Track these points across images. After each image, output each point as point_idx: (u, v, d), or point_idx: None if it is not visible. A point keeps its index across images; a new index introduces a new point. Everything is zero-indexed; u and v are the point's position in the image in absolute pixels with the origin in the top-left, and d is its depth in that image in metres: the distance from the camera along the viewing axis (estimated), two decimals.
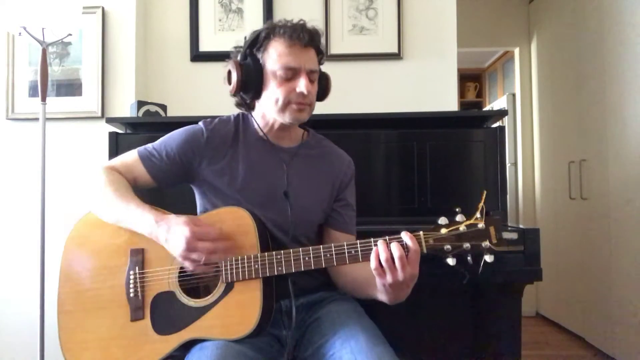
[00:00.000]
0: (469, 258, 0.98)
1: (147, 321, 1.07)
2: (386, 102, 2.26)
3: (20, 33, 1.81)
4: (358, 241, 1.02)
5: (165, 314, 1.07)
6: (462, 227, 0.98)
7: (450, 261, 0.98)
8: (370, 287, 1.05)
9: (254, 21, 2.32)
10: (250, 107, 1.22)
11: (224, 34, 2.34)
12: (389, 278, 0.97)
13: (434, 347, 1.70)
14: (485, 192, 0.99)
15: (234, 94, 1.20)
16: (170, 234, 1.02)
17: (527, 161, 3.68)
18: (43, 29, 1.83)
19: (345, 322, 1.08)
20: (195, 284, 1.09)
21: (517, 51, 3.77)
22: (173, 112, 2.13)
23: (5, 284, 2.21)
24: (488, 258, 0.97)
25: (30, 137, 2.21)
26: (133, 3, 2.25)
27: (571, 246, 3.05)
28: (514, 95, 3.81)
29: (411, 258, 0.96)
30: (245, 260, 1.04)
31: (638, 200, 2.35)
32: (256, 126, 1.21)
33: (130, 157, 1.19)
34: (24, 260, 2.18)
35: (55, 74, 2.22)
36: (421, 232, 0.99)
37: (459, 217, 0.99)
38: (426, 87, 2.30)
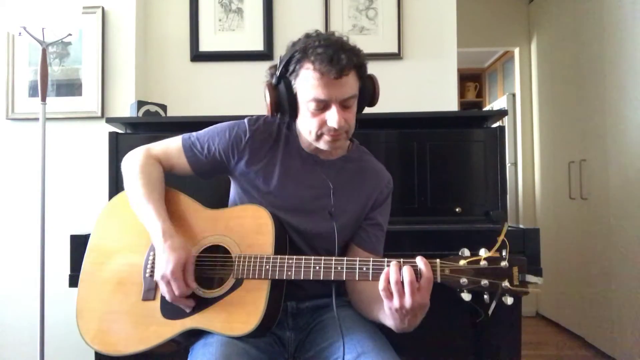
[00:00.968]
0: (485, 296, 0.92)
1: (156, 303, 1.09)
2: (386, 102, 2.24)
3: (20, 33, 1.81)
4: (371, 259, 0.99)
5: None
6: (482, 262, 0.92)
7: (465, 296, 0.92)
8: (377, 309, 1.02)
9: (254, 21, 2.32)
10: (291, 122, 1.19)
11: (224, 34, 2.34)
12: (396, 302, 0.92)
13: (434, 347, 1.70)
14: (506, 224, 0.94)
15: (271, 116, 1.17)
16: (163, 256, 1.03)
17: (527, 161, 3.68)
18: (43, 29, 1.83)
19: (350, 326, 1.08)
20: (210, 274, 1.09)
21: (517, 51, 3.77)
22: (173, 112, 2.13)
23: (5, 283, 2.21)
24: (509, 300, 0.90)
25: (30, 137, 2.21)
26: (133, 3, 2.25)
27: (571, 246, 3.05)
28: (514, 95, 3.81)
29: (422, 285, 0.92)
30: (258, 259, 1.04)
31: (638, 200, 2.35)
32: (298, 137, 1.19)
33: (173, 145, 1.20)
34: (24, 260, 2.18)
35: (55, 74, 2.22)
36: (438, 260, 0.94)
37: (481, 252, 0.94)
38: (426, 87, 2.30)
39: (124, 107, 2.19)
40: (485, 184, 1.73)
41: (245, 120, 1.20)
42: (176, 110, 2.18)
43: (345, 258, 1.01)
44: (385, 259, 0.97)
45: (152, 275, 1.10)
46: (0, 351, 2.19)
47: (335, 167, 1.19)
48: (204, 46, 2.34)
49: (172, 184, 1.22)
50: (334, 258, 1.02)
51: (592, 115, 2.77)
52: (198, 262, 1.09)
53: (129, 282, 1.12)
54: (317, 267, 1.02)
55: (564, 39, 3.13)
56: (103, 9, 2.23)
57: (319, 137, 1.09)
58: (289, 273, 1.02)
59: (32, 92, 2.22)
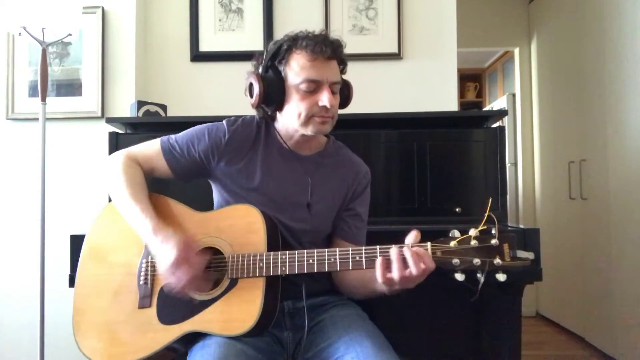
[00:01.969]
0: (479, 275, 0.93)
1: (153, 310, 1.09)
2: (386, 102, 2.26)
3: (20, 33, 1.81)
4: (363, 247, 1.01)
5: (171, 304, 1.08)
6: (472, 242, 0.94)
7: (459, 276, 0.93)
8: (372, 282, 1.04)
9: (254, 21, 2.32)
10: (272, 119, 1.21)
11: (224, 34, 2.34)
12: (397, 288, 0.98)
13: (434, 347, 1.70)
14: (490, 199, 0.96)
15: (256, 107, 1.18)
16: (160, 250, 1.03)
17: (527, 161, 3.68)
18: (43, 29, 1.83)
19: (349, 326, 1.08)
20: (204, 277, 1.08)
21: (517, 51, 3.77)
22: (173, 112, 2.13)
23: (5, 283, 2.21)
24: (501, 277, 0.92)
25: (30, 137, 2.21)
26: (133, 3, 2.25)
27: (571, 246, 3.04)
28: (514, 95, 3.81)
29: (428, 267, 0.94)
30: (251, 258, 1.05)
31: (638, 200, 2.35)
32: (277, 135, 1.20)
33: (152, 148, 1.20)
34: (24, 260, 2.18)
35: (55, 74, 2.22)
36: (429, 243, 0.96)
37: (471, 231, 0.95)
38: (426, 87, 2.30)
39: (124, 107, 2.19)
40: (485, 184, 1.73)
41: (224, 121, 1.21)
42: (176, 110, 2.18)
43: (337, 249, 1.02)
44: (377, 246, 0.99)
45: (146, 283, 1.10)
46: (0, 351, 2.19)
47: (313, 162, 1.21)
48: (204, 46, 2.34)
49: (157, 189, 1.21)
50: (326, 250, 1.03)
51: (592, 115, 2.77)
52: None
53: (124, 291, 1.11)
54: (311, 260, 1.03)
55: (564, 39, 3.13)
56: (103, 9, 2.23)
57: (308, 119, 1.11)
58: (283, 268, 1.03)
59: (32, 92, 2.22)
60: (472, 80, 5.16)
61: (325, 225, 1.20)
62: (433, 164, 1.73)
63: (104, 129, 1.85)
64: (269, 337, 1.10)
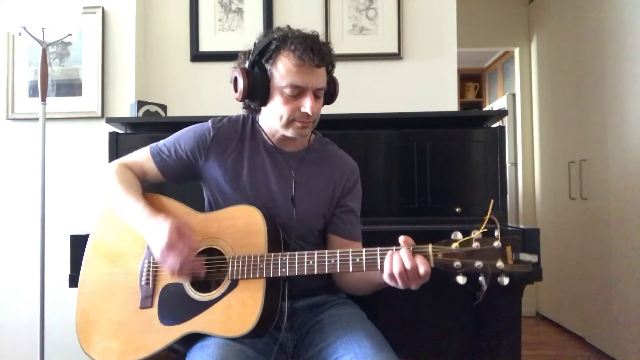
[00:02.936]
0: (480, 278, 0.90)
1: (154, 310, 1.09)
2: (386, 102, 2.26)
3: (20, 33, 1.81)
4: (364, 249, 1.00)
5: (172, 305, 1.08)
6: (475, 244, 0.91)
7: (460, 279, 0.91)
8: (375, 278, 1.04)
9: (254, 21, 2.32)
10: (257, 112, 1.23)
11: (224, 34, 2.34)
12: (400, 286, 0.97)
13: (434, 347, 1.70)
14: (492, 201, 0.93)
15: (240, 100, 1.19)
16: (152, 235, 1.04)
17: (527, 161, 3.68)
18: (43, 29, 1.83)
19: (348, 326, 1.08)
20: (205, 277, 1.09)
21: (517, 51, 3.77)
22: (173, 112, 2.13)
23: (5, 284, 2.21)
24: (504, 280, 0.89)
25: (30, 137, 2.21)
26: (133, 3, 2.25)
27: (571, 246, 3.05)
28: (514, 95, 3.81)
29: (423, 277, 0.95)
30: (252, 259, 1.05)
31: (638, 200, 2.35)
32: (262, 131, 1.22)
33: (142, 154, 1.23)
34: (24, 260, 2.18)
35: (55, 74, 2.22)
36: (430, 245, 0.95)
37: (473, 233, 0.93)
38: (426, 87, 2.30)
39: (124, 107, 2.19)
40: (485, 184, 1.73)
41: (209, 121, 1.23)
42: (176, 110, 2.18)
43: (338, 251, 1.02)
44: (378, 248, 0.99)
45: (148, 283, 1.11)
46: (0, 351, 2.19)
47: (297, 158, 1.21)
48: (204, 46, 2.34)
49: (157, 190, 1.22)
50: (327, 251, 1.03)
51: (592, 115, 2.77)
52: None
53: (127, 292, 1.12)
54: (311, 262, 1.02)
55: (564, 39, 3.13)
56: (103, 9, 2.23)
57: (289, 123, 1.12)
58: (283, 270, 1.03)
59: (32, 92, 2.22)
60: (472, 80, 5.16)
61: (312, 220, 1.20)
62: (433, 164, 1.73)
63: (104, 129, 1.85)
64: (267, 338, 1.10)
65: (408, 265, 0.93)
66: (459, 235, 0.94)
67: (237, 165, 1.19)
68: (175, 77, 2.35)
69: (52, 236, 1.96)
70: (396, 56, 2.31)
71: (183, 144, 1.19)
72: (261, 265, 1.04)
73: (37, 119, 1.91)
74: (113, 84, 2.24)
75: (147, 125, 1.87)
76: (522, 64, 3.72)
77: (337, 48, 2.26)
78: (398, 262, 0.94)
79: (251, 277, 1.04)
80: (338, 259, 1.01)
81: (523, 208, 3.68)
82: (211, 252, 1.11)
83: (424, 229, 1.58)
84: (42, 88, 1.84)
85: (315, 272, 1.02)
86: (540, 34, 3.54)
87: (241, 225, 1.10)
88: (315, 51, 1.07)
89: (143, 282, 1.11)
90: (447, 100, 2.29)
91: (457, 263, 0.91)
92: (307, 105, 1.09)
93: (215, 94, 2.30)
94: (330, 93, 1.21)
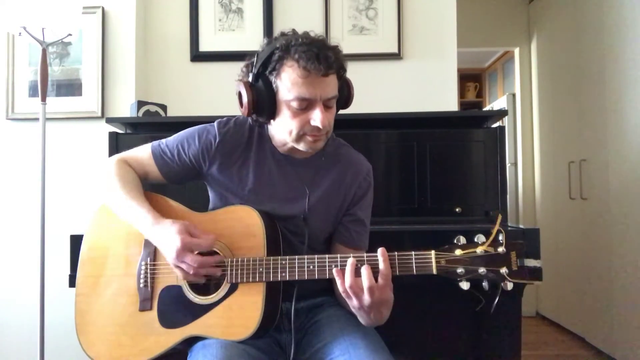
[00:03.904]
0: (484, 284, 0.90)
1: (154, 313, 1.08)
2: (386, 102, 2.26)
3: (20, 33, 1.81)
4: (365, 254, 0.98)
5: (171, 307, 1.08)
6: (479, 250, 0.90)
7: (464, 285, 0.90)
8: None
9: (254, 21, 2.32)
10: (265, 123, 1.15)
11: (224, 34, 2.34)
12: (355, 302, 0.95)
13: (434, 347, 1.70)
14: (500, 216, 0.90)
15: (247, 116, 1.11)
16: (164, 240, 1.02)
17: (527, 161, 3.68)
18: (43, 29, 1.83)
19: (345, 327, 1.07)
20: (205, 280, 1.08)
21: (517, 51, 3.77)
22: (173, 112, 2.13)
23: (5, 284, 2.21)
24: (509, 285, 0.88)
25: (30, 137, 2.21)
26: (133, 3, 2.25)
27: (571, 246, 3.04)
28: (514, 95, 3.81)
29: (381, 284, 0.93)
30: (251, 263, 1.03)
31: (638, 200, 2.35)
32: (271, 138, 1.16)
33: (143, 153, 1.18)
34: (24, 260, 2.18)
35: (55, 74, 2.22)
36: (432, 252, 0.93)
37: (477, 238, 0.92)
38: (426, 87, 2.30)
39: (124, 107, 2.19)
40: (485, 184, 1.73)
41: (215, 123, 1.17)
42: (176, 110, 2.18)
43: (338, 255, 1.01)
44: (379, 250, 0.97)
45: (146, 285, 1.09)
46: (0, 351, 2.19)
47: (310, 166, 1.15)
48: (204, 46, 2.34)
49: (154, 187, 1.20)
50: (327, 256, 1.01)
51: (592, 115, 2.77)
52: None
53: (125, 294, 1.11)
54: (311, 267, 1.01)
55: (564, 39, 3.13)
56: (103, 9, 2.23)
57: (300, 137, 1.06)
58: (283, 274, 1.02)
59: (32, 92, 2.22)
60: (472, 80, 5.16)
61: (321, 231, 1.16)
62: (433, 164, 1.73)
63: (104, 129, 1.85)
64: (268, 339, 1.10)
65: (364, 275, 0.93)
66: (462, 240, 0.92)
67: (242, 173, 1.14)
68: (175, 77, 2.35)
69: (52, 236, 1.96)
70: (396, 56, 2.31)
71: (187, 149, 1.15)
72: (260, 269, 1.02)
73: (37, 119, 1.91)
74: (113, 84, 2.24)
75: (147, 125, 1.87)
76: (522, 64, 3.71)
77: None
78: (350, 274, 0.94)
79: (250, 281, 1.03)
80: (339, 264, 0.99)
81: (523, 208, 3.68)
82: (208, 254, 1.10)
83: (424, 229, 1.58)
84: (42, 88, 1.84)
85: (316, 277, 1.00)
86: (540, 33, 3.54)
87: (239, 227, 1.07)
88: (321, 59, 0.98)
89: (141, 285, 1.10)
90: (447, 100, 2.29)
91: (460, 270, 0.90)
92: (317, 118, 1.02)
93: (215, 94, 2.31)
94: (344, 98, 1.13)
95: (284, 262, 1.02)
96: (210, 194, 1.22)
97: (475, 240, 0.92)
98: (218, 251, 1.08)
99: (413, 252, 0.94)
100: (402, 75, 2.32)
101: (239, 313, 1.03)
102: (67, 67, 2.24)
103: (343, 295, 0.96)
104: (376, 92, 2.29)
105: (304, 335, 1.13)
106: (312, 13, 2.32)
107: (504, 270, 0.88)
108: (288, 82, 1.01)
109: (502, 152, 1.72)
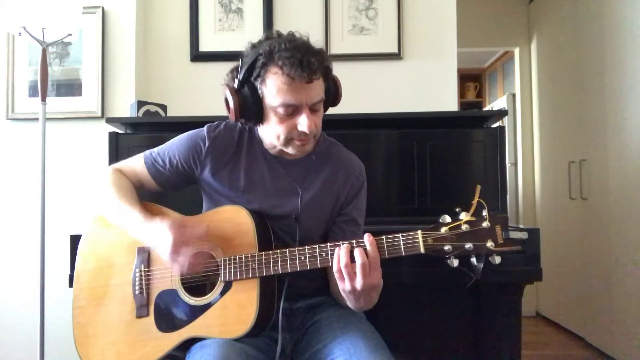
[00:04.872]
0: (472, 259, 0.92)
1: (151, 318, 1.09)
2: (386, 102, 2.26)
3: (20, 33, 1.81)
4: (354, 240, 0.99)
5: (168, 311, 1.08)
6: (464, 226, 0.92)
7: (453, 263, 0.92)
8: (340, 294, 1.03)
9: (254, 21, 2.32)
10: (255, 126, 1.15)
11: (224, 34, 2.34)
12: (347, 285, 0.96)
13: (434, 347, 1.70)
14: (479, 187, 0.93)
15: (235, 121, 1.12)
16: (157, 238, 1.02)
17: (527, 161, 3.68)
18: (43, 29, 1.83)
19: (344, 327, 1.07)
20: (196, 282, 1.09)
21: (517, 51, 3.77)
22: (173, 112, 2.13)
23: (5, 284, 2.21)
24: (496, 259, 0.90)
25: (30, 137, 2.21)
26: (133, 3, 2.25)
27: (571, 246, 3.04)
28: (514, 95, 3.81)
29: (372, 266, 0.95)
30: (243, 260, 1.04)
31: (638, 200, 2.35)
32: (261, 140, 1.16)
33: (137, 163, 1.20)
34: (24, 260, 2.18)
35: (55, 74, 2.22)
36: (419, 232, 0.94)
37: (462, 216, 0.93)
38: (426, 87, 2.30)
39: (124, 107, 2.19)
40: (485, 184, 1.72)
41: (205, 128, 1.18)
42: (176, 110, 2.18)
43: (328, 244, 1.01)
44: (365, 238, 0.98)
45: (141, 292, 1.10)
46: (0, 351, 2.19)
47: (301, 166, 1.16)
48: (204, 46, 2.34)
49: (153, 197, 1.21)
50: (317, 245, 1.01)
51: (592, 115, 2.77)
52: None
53: (121, 302, 1.12)
54: (302, 258, 1.02)
55: (564, 39, 3.13)
56: (103, 9, 2.23)
57: (288, 142, 1.07)
58: (276, 268, 1.02)
59: (32, 92, 2.22)
60: (472, 80, 5.16)
61: (314, 230, 1.16)
62: (433, 164, 1.73)
63: (104, 129, 1.85)
64: (267, 338, 1.10)
65: (358, 256, 0.94)
66: (447, 219, 0.95)
67: (233, 176, 1.15)
68: (175, 77, 2.35)
69: (52, 236, 1.96)
70: (396, 56, 2.31)
71: (177, 155, 1.16)
72: (253, 265, 1.03)
73: (37, 119, 1.91)
74: (113, 84, 2.24)
75: (147, 125, 1.87)
76: (522, 64, 3.72)
77: (337, 48, 2.32)
78: (345, 255, 0.96)
79: (244, 277, 1.04)
80: (329, 252, 1.00)
81: (523, 208, 3.68)
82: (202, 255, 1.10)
83: (423, 228, 1.57)
84: (42, 88, 1.84)
85: (308, 267, 1.01)
86: (540, 34, 3.54)
87: (229, 227, 1.08)
88: (304, 66, 0.98)
89: (137, 292, 1.10)
90: (447, 100, 2.29)
91: (447, 247, 0.92)
92: (303, 123, 1.02)
93: (215, 94, 2.26)
94: (332, 96, 1.13)
95: (275, 255, 1.03)
96: (204, 198, 1.23)
97: (460, 217, 0.94)
98: (210, 252, 1.08)
99: (400, 234, 0.96)
100: (402, 75, 2.32)
101: (234, 310, 1.03)
102: (67, 67, 2.24)
103: (336, 276, 0.97)
104: (376, 92, 2.29)
105: (303, 336, 1.13)
106: (312, 13, 2.32)
107: (490, 244, 0.90)
108: (273, 89, 1.02)
109: (502, 152, 1.72)
